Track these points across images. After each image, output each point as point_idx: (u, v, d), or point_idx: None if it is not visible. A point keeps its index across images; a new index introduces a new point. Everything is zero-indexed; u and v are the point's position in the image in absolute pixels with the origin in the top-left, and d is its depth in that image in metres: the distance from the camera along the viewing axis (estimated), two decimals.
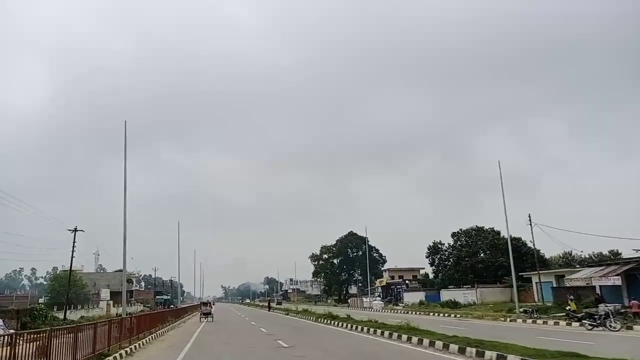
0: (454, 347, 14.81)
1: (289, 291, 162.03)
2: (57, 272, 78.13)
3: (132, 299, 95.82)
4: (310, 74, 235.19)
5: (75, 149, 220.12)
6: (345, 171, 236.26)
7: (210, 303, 44.24)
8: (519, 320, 29.67)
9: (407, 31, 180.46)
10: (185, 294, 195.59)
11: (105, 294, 58.60)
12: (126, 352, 16.80)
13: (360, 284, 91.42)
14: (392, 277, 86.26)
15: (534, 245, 46.20)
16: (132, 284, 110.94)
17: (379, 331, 21.47)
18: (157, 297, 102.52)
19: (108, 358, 14.74)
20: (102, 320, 18.18)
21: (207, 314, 41.31)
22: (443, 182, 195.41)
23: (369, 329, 22.91)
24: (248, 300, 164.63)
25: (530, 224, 40.39)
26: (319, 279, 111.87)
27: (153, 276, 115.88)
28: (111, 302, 58.12)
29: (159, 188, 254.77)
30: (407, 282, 75.65)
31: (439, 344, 15.65)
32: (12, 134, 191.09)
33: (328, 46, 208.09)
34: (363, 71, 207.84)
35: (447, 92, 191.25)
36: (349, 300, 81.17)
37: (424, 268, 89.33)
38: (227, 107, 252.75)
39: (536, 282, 46.07)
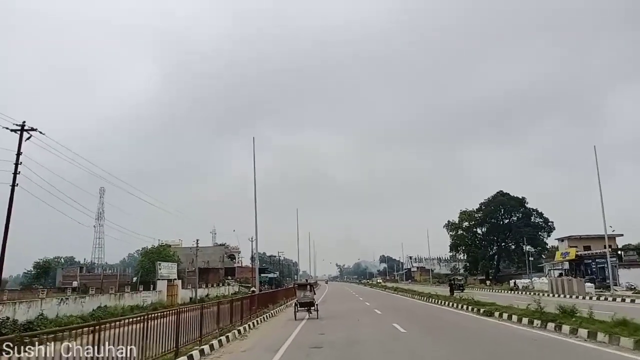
0: None
1: (412, 270, 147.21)
2: (150, 248, 63.98)
3: (231, 278, 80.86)
4: (414, 38, 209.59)
5: (183, 134, 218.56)
6: (460, 141, 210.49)
7: (310, 286, 23.03)
8: None
9: None
10: (300, 272, 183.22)
11: (167, 270, 38.95)
12: None
13: (531, 258, 65.13)
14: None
15: None
16: (235, 260, 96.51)
17: None
18: (261, 275, 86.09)
19: None
20: None
21: (308, 305, 22.11)
22: (572, 148, 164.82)
23: None
24: (380, 280, 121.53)
25: None
26: (458, 254, 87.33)
27: (251, 248, 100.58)
28: (179, 283, 39.80)
29: (266, 167, 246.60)
30: (618, 253, 48.70)
31: None
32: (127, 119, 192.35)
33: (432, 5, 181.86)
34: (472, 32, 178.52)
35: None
36: (516, 283, 56.14)
37: (622, 235, 62.52)
38: (328, 82, 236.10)
39: None
